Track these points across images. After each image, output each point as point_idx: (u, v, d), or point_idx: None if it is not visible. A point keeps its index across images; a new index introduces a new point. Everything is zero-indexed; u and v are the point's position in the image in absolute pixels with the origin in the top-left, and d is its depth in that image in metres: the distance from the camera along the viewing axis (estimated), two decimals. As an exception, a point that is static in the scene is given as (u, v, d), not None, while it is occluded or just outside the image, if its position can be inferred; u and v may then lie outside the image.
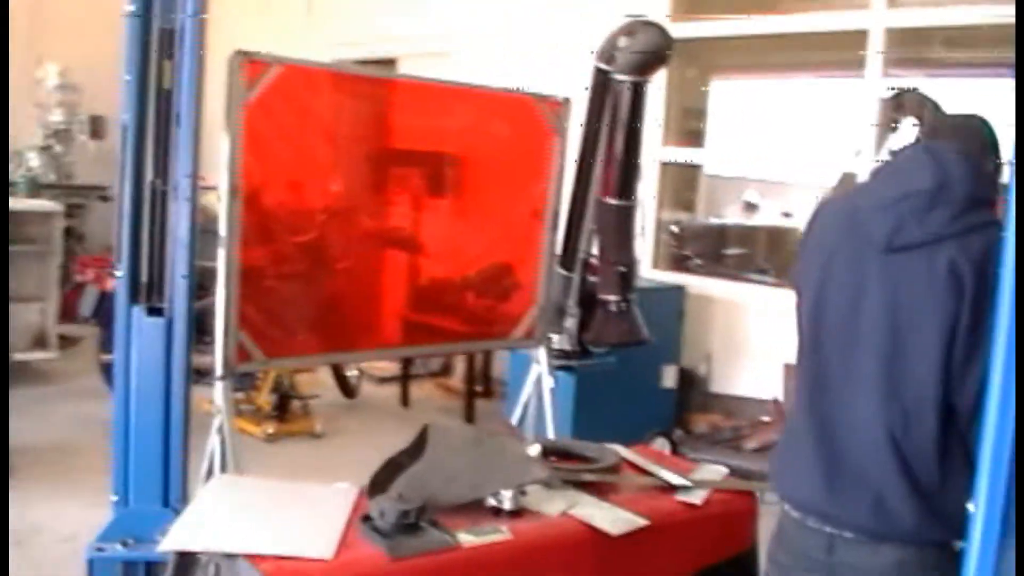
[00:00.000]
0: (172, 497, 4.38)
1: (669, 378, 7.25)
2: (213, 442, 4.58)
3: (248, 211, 4.38)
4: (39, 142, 10.85)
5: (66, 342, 8.27)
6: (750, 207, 12.26)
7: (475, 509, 2.70)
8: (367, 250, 5.28)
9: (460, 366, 8.82)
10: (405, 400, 8.22)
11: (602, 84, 5.77)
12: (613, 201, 5.72)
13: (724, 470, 3.31)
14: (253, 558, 2.29)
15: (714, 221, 10.70)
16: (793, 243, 10.66)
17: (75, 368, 8.21)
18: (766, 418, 7.13)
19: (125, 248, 4.29)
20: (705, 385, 7.59)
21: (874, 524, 2.46)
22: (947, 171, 2.43)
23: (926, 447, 2.42)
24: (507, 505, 2.71)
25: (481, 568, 2.52)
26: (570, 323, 6.37)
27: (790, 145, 9.08)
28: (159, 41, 4.23)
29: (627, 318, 5.93)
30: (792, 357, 6.89)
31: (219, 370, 4.52)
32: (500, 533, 2.58)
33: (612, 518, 2.77)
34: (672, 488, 3.07)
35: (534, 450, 2.93)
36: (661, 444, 6.97)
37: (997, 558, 1.81)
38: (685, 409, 7.43)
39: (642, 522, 2.77)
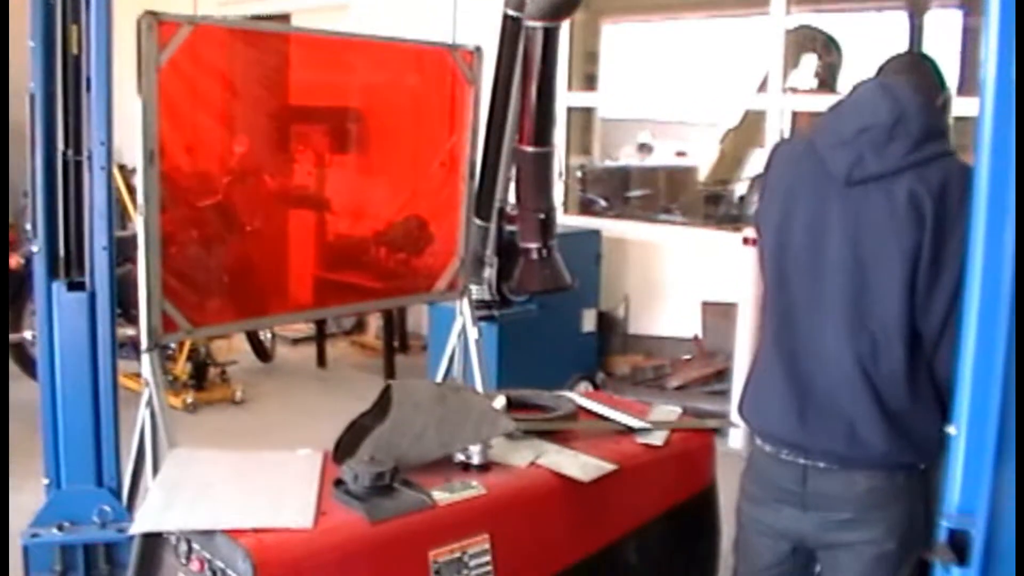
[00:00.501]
0: (106, 476, 4.28)
1: (589, 322, 7.27)
2: (143, 416, 4.46)
3: (162, 176, 4.25)
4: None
5: (-35, 323, 7.98)
6: (644, 148, 12.37)
7: (444, 466, 2.66)
8: (277, 210, 5.19)
9: (374, 323, 8.75)
10: (321, 360, 8.12)
11: (513, 31, 5.73)
12: (530, 148, 5.72)
13: (678, 409, 3.32)
14: (231, 533, 2.23)
15: (612, 164, 10.77)
16: (691, 182, 10.82)
17: (-22, 349, 7.94)
18: (687, 356, 7.21)
19: (40, 222, 4.13)
20: (624, 327, 7.64)
21: (847, 452, 2.50)
22: (903, 105, 2.45)
23: (895, 374, 2.46)
24: (476, 460, 2.67)
25: (459, 525, 2.49)
26: (489, 273, 6.37)
27: (684, 86, 9.15)
28: (63, 5, 4.06)
29: (549, 264, 5.93)
30: (709, 295, 7.02)
31: (145, 342, 4.39)
32: (474, 489, 2.55)
33: (580, 464, 2.76)
34: (631, 431, 3.07)
35: (499, 402, 2.90)
36: (584, 388, 7.00)
37: (994, 478, 1.84)
38: (606, 352, 7.47)
39: (610, 467, 2.77)
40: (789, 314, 2.59)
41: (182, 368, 6.91)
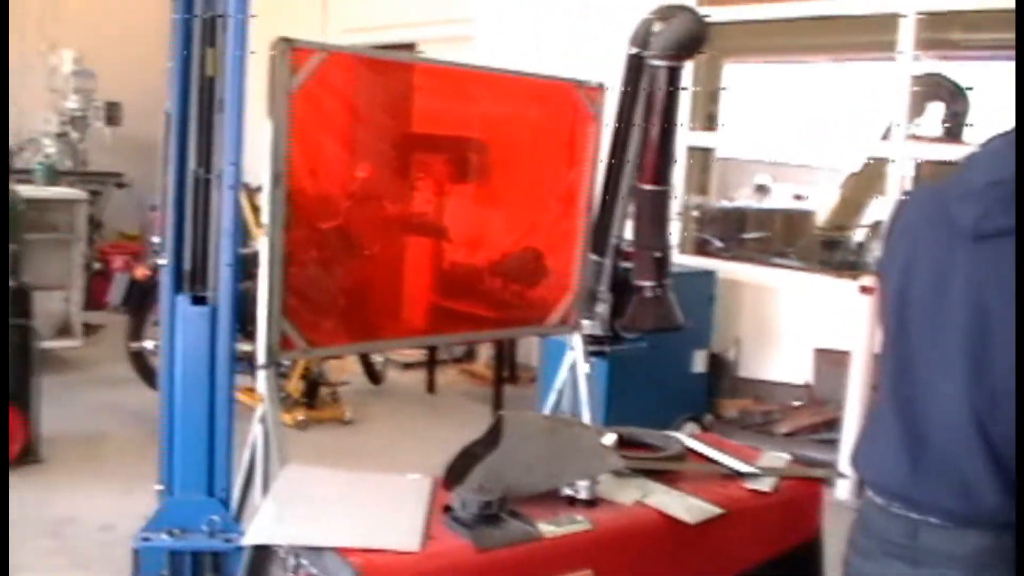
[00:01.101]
0: (217, 487, 4.38)
1: (700, 363, 7.22)
2: (256, 431, 4.56)
3: (287, 198, 4.36)
4: (55, 129, 10.81)
5: (89, 330, 8.25)
6: (762, 190, 12.25)
7: (551, 498, 2.67)
8: (395, 236, 5.26)
9: (484, 352, 8.82)
10: (431, 386, 8.20)
11: (636, 69, 5.73)
12: (649, 187, 5.71)
13: (788, 457, 3.28)
14: (341, 551, 2.26)
15: (728, 205, 10.69)
16: (809, 226, 10.67)
17: (99, 356, 8.21)
18: (797, 403, 7.11)
19: (169, 237, 4.26)
20: (735, 370, 7.57)
21: (961, 508, 2.43)
22: None
23: (1011, 429, 2.39)
24: (583, 495, 2.68)
25: (563, 559, 2.50)
26: (602, 308, 6.34)
27: (805, 129, 9.06)
28: (202, 29, 4.20)
29: (662, 303, 5.91)
30: (822, 342, 6.92)
31: (263, 359, 4.50)
32: (580, 523, 2.56)
33: (686, 506, 2.74)
34: (739, 476, 3.04)
35: (608, 439, 2.90)
36: (691, 429, 6.95)
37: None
38: (715, 394, 7.41)
39: (717, 510, 2.75)
40: (907, 364, 2.54)
41: (295, 386, 7.04)
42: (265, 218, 4.34)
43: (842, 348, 6.63)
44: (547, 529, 2.50)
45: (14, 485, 5.44)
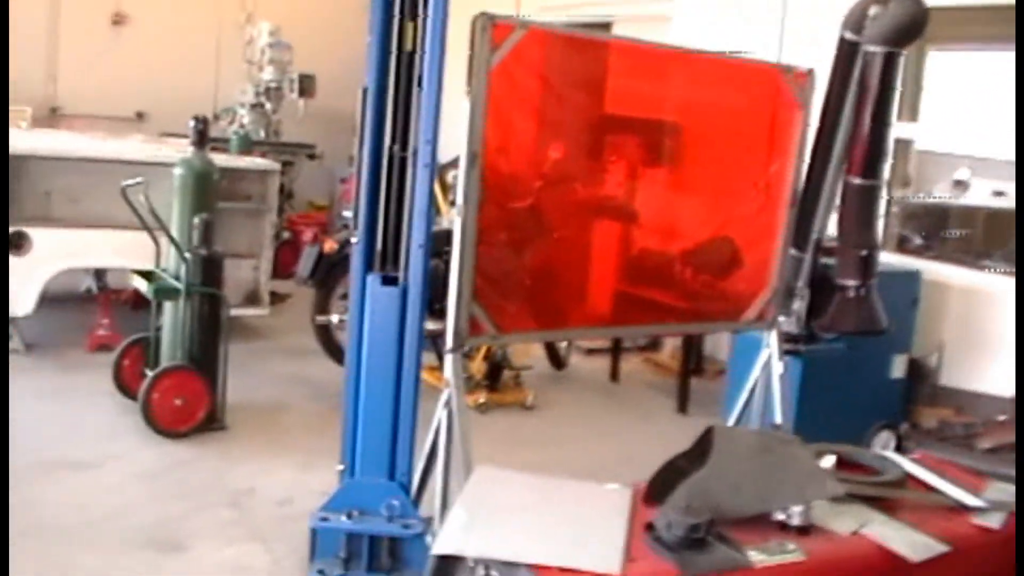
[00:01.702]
0: (399, 471, 4.30)
1: (899, 368, 6.83)
2: (440, 416, 4.46)
3: (483, 178, 4.24)
4: (250, 99, 11.00)
5: (275, 299, 8.34)
6: (960, 185, 11.58)
7: (761, 522, 2.46)
8: (586, 219, 5.09)
9: (669, 342, 8.58)
10: (614, 374, 8.02)
11: (848, 55, 5.41)
12: (858, 180, 5.40)
13: (1012, 488, 2.98)
14: (536, 568, 2.10)
15: (927, 200, 10.13)
16: (1011, 224, 10.02)
17: (285, 325, 8.30)
18: (1002, 417, 6.65)
19: (362, 215, 4.18)
20: (936, 377, 7.14)
21: None
22: None
23: None
24: (795, 520, 2.46)
25: (771, 588, 2.29)
26: (799, 306, 6.04)
27: (1009, 121, 8.48)
28: (402, 3, 4.09)
29: (866, 305, 5.58)
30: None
31: (451, 342, 4.39)
32: (793, 553, 2.34)
33: (910, 541, 2.49)
34: (966, 509, 2.76)
35: (827, 462, 2.66)
36: (887, 437, 6.60)
37: None
38: (913, 402, 7.00)
39: (943, 548, 2.49)
40: None
41: (478, 368, 6.95)
42: (459, 198, 4.22)
43: (1057, 362, 6.19)
44: (757, 558, 2.29)
45: (198, 451, 5.52)
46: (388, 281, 4.17)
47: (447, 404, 4.46)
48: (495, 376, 6.96)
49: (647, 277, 5.42)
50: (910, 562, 2.44)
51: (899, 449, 6.57)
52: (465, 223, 4.22)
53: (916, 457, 3.10)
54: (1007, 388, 6.73)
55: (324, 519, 4.20)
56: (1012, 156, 10.75)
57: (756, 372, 5.78)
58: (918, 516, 2.67)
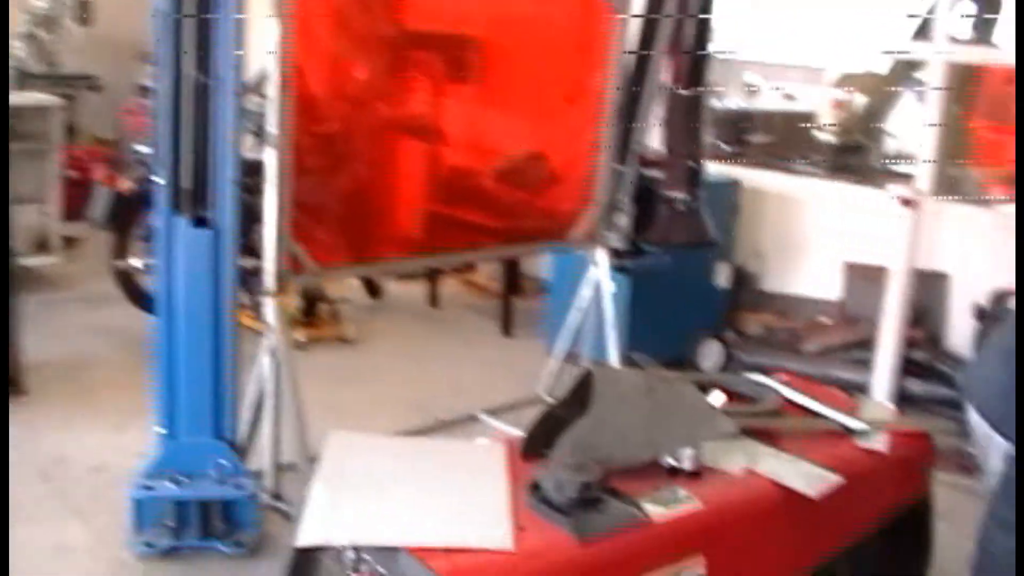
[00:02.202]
0: (225, 428, 3.97)
1: (723, 277, 6.80)
2: (263, 365, 4.14)
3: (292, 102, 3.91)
4: (24, 29, 10.13)
5: (67, 243, 7.72)
6: (750, 90, 11.70)
7: (648, 469, 2.25)
8: (394, 141, 4.82)
9: (485, 263, 8.36)
10: (433, 300, 7.75)
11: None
12: (681, 89, 5.27)
13: (890, 406, 2.88)
14: (418, 553, 1.84)
15: (727, 105, 10.15)
16: (813, 130, 10.16)
17: (81, 272, 7.68)
18: (826, 320, 6.72)
19: (164, 152, 3.75)
20: (757, 284, 7.16)
21: None
22: None
23: None
24: (687, 465, 2.27)
25: (674, 544, 2.10)
26: (623, 221, 5.90)
27: (799, 26, 8.56)
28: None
29: (695, 217, 5.49)
30: (853, 256, 6.51)
31: (270, 284, 4.06)
32: (690, 501, 2.15)
33: (802, 474, 2.34)
34: (848, 432, 2.64)
35: (715, 398, 2.48)
36: (714, 347, 6.58)
37: None
38: (737, 309, 7.00)
39: (836, 478, 2.35)
40: None
41: (293, 303, 6.56)
42: (271, 125, 3.88)
43: (876, 263, 6.24)
44: (653, 510, 2.09)
45: (-2, 420, 5.01)
46: (199, 223, 3.77)
47: (270, 350, 4.14)
48: (312, 311, 6.60)
49: (461, 197, 5.20)
50: (810, 498, 2.28)
51: (727, 357, 6.58)
52: (281, 154, 3.90)
53: (783, 379, 2.96)
54: (826, 292, 6.80)
55: (147, 487, 3.83)
56: (810, 62, 10.86)
57: (585, 291, 5.63)
58: (801, 445, 2.52)
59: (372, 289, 7.51)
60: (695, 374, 2.81)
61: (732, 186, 6.76)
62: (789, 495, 2.30)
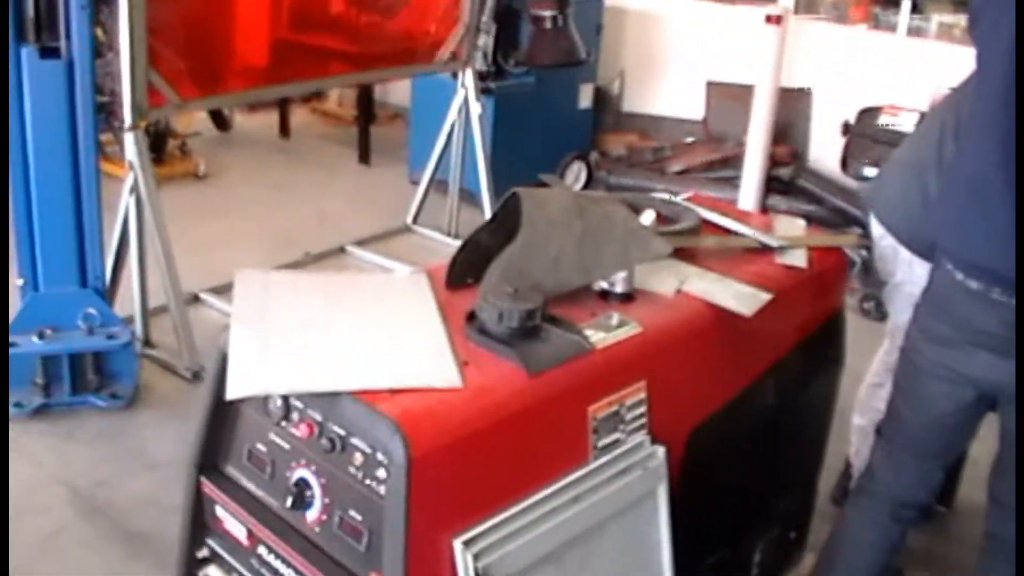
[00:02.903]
0: (91, 275, 3.72)
1: (586, 98, 6.68)
2: (127, 203, 3.89)
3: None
4: None
5: None
6: None
7: (580, 294, 2.15)
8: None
9: (335, 90, 8.02)
10: (284, 130, 7.42)
11: None
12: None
13: (802, 222, 2.82)
14: (364, 397, 1.70)
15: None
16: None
17: None
18: (690, 139, 6.69)
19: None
20: (619, 104, 7.06)
21: None
22: None
23: None
24: (619, 288, 2.17)
25: (618, 371, 2.00)
26: (485, 41, 5.71)
27: None
28: None
29: (564, 35, 5.32)
30: (716, 75, 6.46)
31: (130, 119, 3.77)
32: (630, 326, 2.05)
33: (733, 293, 2.27)
34: (769, 249, 2.58)
35: (647, 217, 2.37)
36: (578, 168, 6.51)
37: None
38: (600, 130, 6.92)
39: (767, 296, 2.28)
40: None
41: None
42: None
43: (739, 81, 6.21)
44: (596, 337, 1.99)
45: None
46: (48, 53, 3.43)
47: (133, 189, 3.89)
48: (160, 147, 6.23)
49: (310, 22, 4.95)
50: (744, 316, 2.21)
51: (590, 178, 6.52)
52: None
53: (689, 197, 2.87)
54: (689, 111, 6.76)
55: (12, 344, 3.57)
56: None
57: (452, 114, 5.46)
58: (726, 264, 2.45)
59: (220, 122, 7.16)
60: (619, 195, 2.68)
61: (595, 3, 6.56)
62: (722, 315, 2.23)
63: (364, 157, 6.91)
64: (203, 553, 2.09)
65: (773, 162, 5.93)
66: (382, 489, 1.71)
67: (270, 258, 4.94)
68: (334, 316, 1.96)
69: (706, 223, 2.64)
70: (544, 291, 2.00)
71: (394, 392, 1.72)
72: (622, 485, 2.00)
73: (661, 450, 2.09)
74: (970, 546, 3.25)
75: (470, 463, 1.75)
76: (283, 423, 1.86)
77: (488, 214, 5.52)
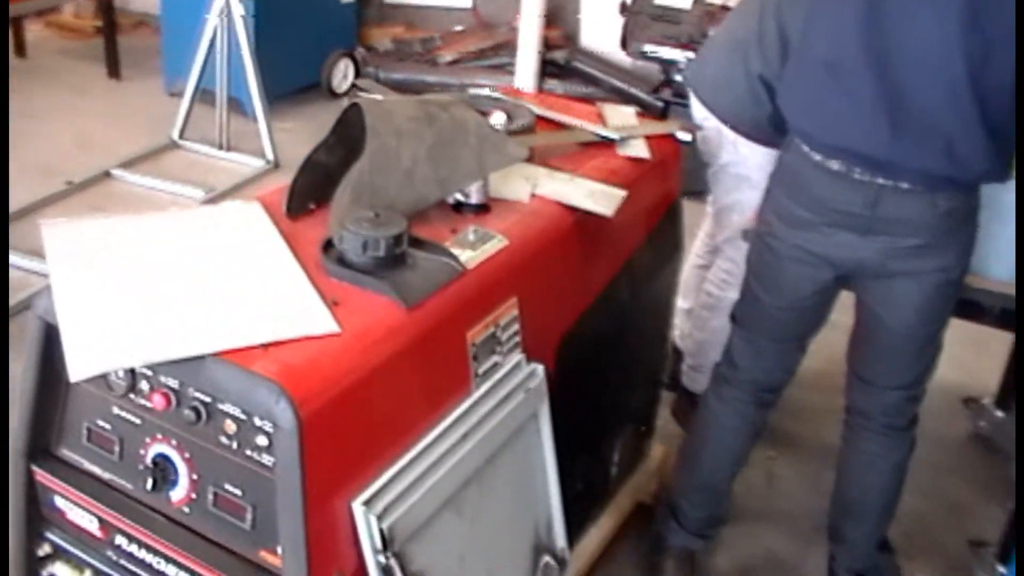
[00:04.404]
0: None
1: (346, -9, 6.37)
2: None
3: None
4: None
5: None
6: None
7: (433, 210, 1.96)
8: None
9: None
10: (20, 49, 6.73)
11: None
12: None
13: (631, 110, 2.70)
14: (230, 356, 1.48)
15: None
16: None
17: None
18: (459, 28, 6.48)
19: None
20: (381, -6, 6.77)
21: (941, 170, 2.13)
22: None
23: (1004, 83, 2.03)
24: (474, 198, 1.99)
25: (490, 291, 1.84)
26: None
27: None
28: None
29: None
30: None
31: None
32: (496, 240, 1.89)
33: (587, 193, 2.13)
34: (607, 142, 2.45)
35: (497, 119, 2.17)
36: (345, 66, 6.23)
37: None
38: (364, 25, 6.61)
39: (621, 193, 2.16)
40: (883, 12, 2.03)
41: None
42: None
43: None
44: (465, 256, 1.82)
45: None
46: None
47: None
48: None
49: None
50: (593, 217, 2.09)
51: (357, 76, 6.25)
52: None
53: (503, 91, 2.70)
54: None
55: None
56: None
57: (213, 18, 5.07)
58: (572, 162, 2.31)
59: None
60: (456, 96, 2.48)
61: None
62: (578, 218, 2.10)
63: (113, 71, 6.37)
64: (44, 550, 1.82)
65: (546, 46, 5.79)
66: (265, 458, 1.51)
67: (29, 194, 4.49)
68: (169, 265, 1.71)
69: (540, 119, 2.48)
70: (399, 210, 1.81)
71: (266, 347, 1.50)
72: (508, 412, 1.87)
73: (540, 368, 1.96)
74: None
75: (358, 415, 1.57)
76: (130, 395, 1.62)
77: (262, 122, 5.21)
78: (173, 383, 1.56)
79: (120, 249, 1.75)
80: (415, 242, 1.78)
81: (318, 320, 1.56)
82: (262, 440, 1.50)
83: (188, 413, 1.54)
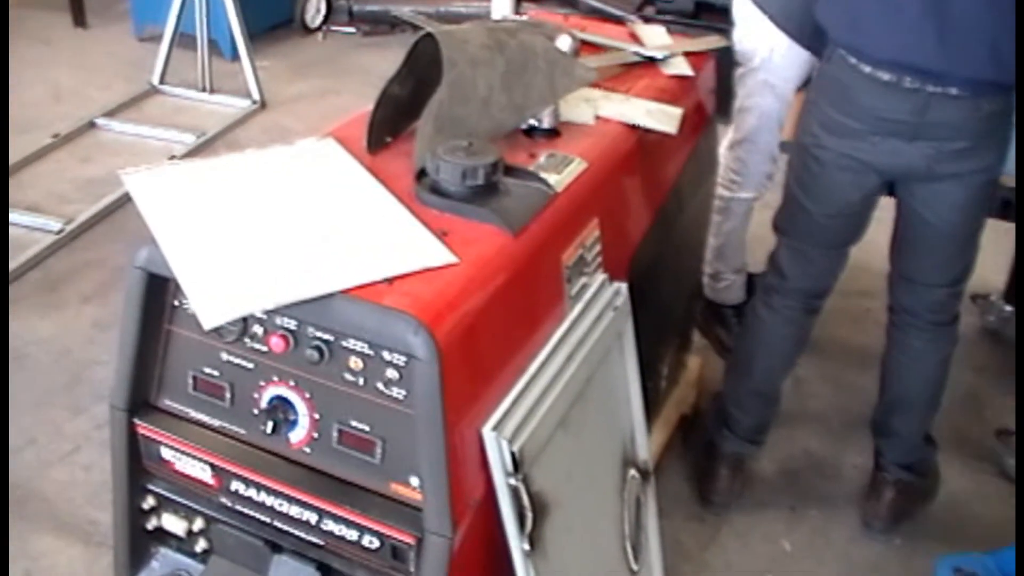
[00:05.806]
0: None
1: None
2: None
3: None
4: None
5: None
6: None
7: (509, 137, 1.97)
8: None
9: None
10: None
11: None
12: None
13: (662, 29, 2.70)
14: (357, 293, 1.49)
15: None
16: None
17: None
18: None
19: None
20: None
21: (987, 75, 2.17)
22: None
23: None
24: (546, 123, 1.99)
25: (577, 214, 1.85)
26: None
27: None
28: None
29: None
30: None
31: None
32: (577, 162, 1.90)
33: (646, 113, 2.14)
34: (653, 62, 2.46)
35: (563, 42, 2.16)
36: (318, 1, 6.15)
37: None
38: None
39: (678, 111, 2.18)
40: None
41: None
42: None
43: None
44: (553, 179, 1.83)
45: None
46: None
47: None
48: None
49: None
50: (657, 134, 2.10)
51: (329, 10, 6.18)
52: None
53: (536, 13, 2.69)
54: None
55: None
56: None
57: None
58: (623, 82, 2.32)
59: None
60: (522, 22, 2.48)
61: None
62: (640, 136, 2.11)
63: (79, 19, 6.22)
64: (148, 503, 1.82)
65: (521, -36, 5.74)
66: (395, 391, 1.52)
67: (15, 150, 4.41)
68: (270, 206, 1.70)
69: (583, 43, 2.48)
70: (480, 137, 1.81)
71: (390, 281, 1.51)
72: (601, 331, 1.88)
73: (624, 287, 1.98)
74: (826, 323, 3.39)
75: (482, 343, 1.59)
76: (244, 339, 1.62)
77: (246, 61, 5.13)
78: (291, 324, 1.56)
79: (214, 194, 1.73)
80: (506, 169, 1.78)
81: (435, 252, 1.56)
82: (392, 373, 1.51)
83: (311, 352, 1.54)
